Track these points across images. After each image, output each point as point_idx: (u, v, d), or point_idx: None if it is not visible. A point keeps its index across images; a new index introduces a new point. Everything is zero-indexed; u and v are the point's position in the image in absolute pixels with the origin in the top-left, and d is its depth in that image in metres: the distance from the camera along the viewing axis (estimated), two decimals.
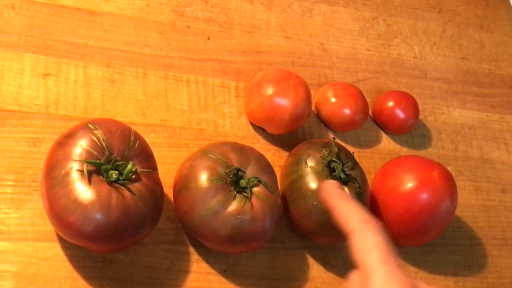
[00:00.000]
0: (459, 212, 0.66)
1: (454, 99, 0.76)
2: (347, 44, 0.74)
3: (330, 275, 0.57)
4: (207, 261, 0.54)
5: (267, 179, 0.52)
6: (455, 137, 0.73)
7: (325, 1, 0.77)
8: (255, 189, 0.51)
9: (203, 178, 0.50)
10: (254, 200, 0.50)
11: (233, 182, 0.50)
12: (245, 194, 0.50)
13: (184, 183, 0.50)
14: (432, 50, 0.79)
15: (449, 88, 0.77)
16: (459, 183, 0.61)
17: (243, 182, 0.51)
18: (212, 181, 0.49)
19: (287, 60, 0.69)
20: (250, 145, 0.56)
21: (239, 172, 0.51)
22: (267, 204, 0.51)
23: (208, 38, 0.67)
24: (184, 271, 0.53)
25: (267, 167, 0.53)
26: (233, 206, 0.49)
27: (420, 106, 0.69)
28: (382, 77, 0.74)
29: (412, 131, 0.70)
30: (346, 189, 0.54)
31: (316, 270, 0.57)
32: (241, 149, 0.53)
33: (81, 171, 0.44)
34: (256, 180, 0.51)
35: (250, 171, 0.52)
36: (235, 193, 0.50)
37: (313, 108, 0.65)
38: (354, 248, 0.39)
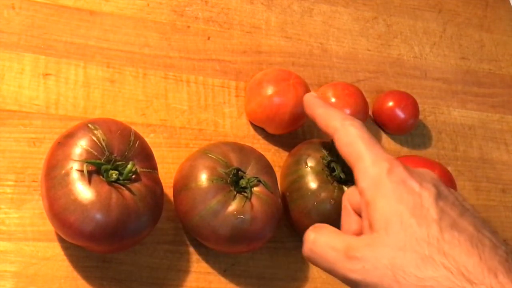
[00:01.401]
0: None
1: (454, 99, 0.76)
2: (347, 44, 0.74)
3: (330, 275, 0.57)
4: (207, 261, 0.54)
5: (267, 179, 0.52)
6: (455, 137, 0.73)
7: (325, 1, 0.77)
8: (255, 189, 0.51)
9: (203, 178, 0.50)
10: (254, 200, 0.50)
11: (233, 182, 0.50)
12: (245, 194, 0.50)
13: (184, 183, 0.50)
14: (432, 50, 0.79)
15: (449, 88, 0.77)
16: (459, 183, 0.61)
17: (243, 182, 0.51)
18: (212, 181, 0.49)
19: (287, 60, 0.69)
20: (250, 145, 0.56)
21: (239, 172, 0.51)
22: (267, 204, 0.51)
23: (208, 38, 0.67)
24: (184, 271, 0.53)
25: (267, 167, 0.53)
26: (233, 206, 0.49)
27: (420, 106, 0.69)
28: (382, 77, 0.74)
29: (412, 131, 0.70)
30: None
31: (316, 270, 0.57)
32: (241, 149, 0.53)
33: (81, 171, 0.44)
34: (256, 180, 0.51)
35: (250, 171, 0.52)
36: (235, 193, 0.50)
37: None
38: (339, 145, 0.42)
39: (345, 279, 0.37)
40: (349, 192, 0.43)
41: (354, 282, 0.36)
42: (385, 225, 0.35)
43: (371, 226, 0.36)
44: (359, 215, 0.41)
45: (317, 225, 0.41)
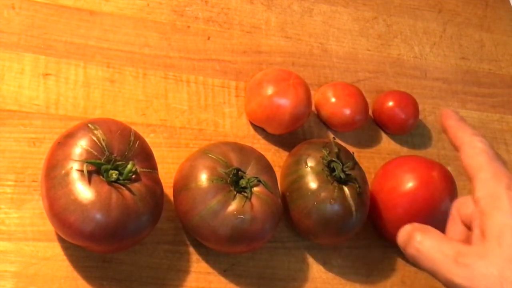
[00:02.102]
0: None
1: (454, 99, 0.76)
2: (347, 44, 0.74)
3: (330, 275, 0.57)
4: (207, 261, 0.54)
5: (267, 179, 0.52)
6: None
7: (325, 1, 0.77)
8: (255, 189, 0.51)
9: (203, 178, 0.50)
10: (254, 200, 0.50)
11: (233, 182, 0.50)
12: (245, 194, 0.50)
13: (184, 183, 0.50)
14: (432, 50, 0.79)
15: (449, 88, 0.77)
16: (459, 183, 0.61)
17: (243, 182, 0.51)
18: (212, 181, 0.49)
19: (287, 60, 0.69)
20: (250, 145, 0.56)
21: (239, 172, 0.51)
22: (267, 204, 0.51)
23: (208, 38, 0.67)
24: (184, 271, 0.53)
25: (267, 167, 0.53)
26: (233, 206, 0.49)
27: (420, 106, 0.69)
28: (382, 77, 0.74)
29: (412, 131, 0.70)
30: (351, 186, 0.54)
31: (316, 270, 0.57)
32: (241, 149, 0.53)
33: (81, 171, 0.44)
34: (256, 180, 0.51)
35: (250, 171, 0.52)
36: (235, 193, 0.50)
37: (313, 108, 0.65)
38: (464, 155, 0.42)
39: (450, 283, 0.38)
40: (460, 202, 0.44)
41: (460, 287, 0.37)
42: (497, 236, 0.37)
43: (483, 235, 0.38)
44: (466, 226, 0.43)
45: (422, 226, 0.42)
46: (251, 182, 0.51)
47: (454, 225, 0.44)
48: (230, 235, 0.49)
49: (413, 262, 0.41)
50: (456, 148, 0.43)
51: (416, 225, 0.43)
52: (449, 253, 0.38)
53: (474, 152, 0.41)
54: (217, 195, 0.49)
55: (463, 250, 0.38)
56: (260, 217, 0.50)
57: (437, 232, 0.41)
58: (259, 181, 0.51)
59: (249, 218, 0.49)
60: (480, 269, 0.36)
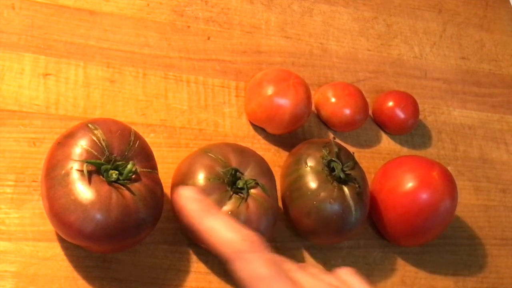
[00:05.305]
0: (459, 212, 0.66)
1: (454, 99, 0.76)
2: (347, 44, 0.74)
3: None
4: (207, 261, 0.54)
5: (265, 182, 0.52)
6: (455, 137, 0.73)
7: (325, 1, 0.77)
8: (252, 191, 0.51)
9: (201, 176, 0.50)
10: (250, 202, 0.50)
11: (230, 182, 0.50)
12: (242, 195, 0.50)
13: (181, 180, 0.50)
14: (432, 50, 0.79)
15: (449, 88, 0.77)
16: (459, 183, 0.61)
17: (240, 183, 0.50)
18: (209, 180, 0.49)
19: (287, 60, 0.69)
20: (250, 145, 0.56)
21: (237, 173, 0.51)
22: (263, 206, 0.50)
23: (208, 38, 0.67)
24: (184, 271, 0.53)
25: (266, 171, 0.53)
26: (228, 206, 0.49)
27: (420, 106, 0.69)
28: (382, 77, 0.74)
29: (412, 131, 0.70)
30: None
31: None
32: (241, 151, 0.53)
33: (81, 171, 0.44)
34: (253, 182, 0.51)
35: (248, 173, 0.52)
36: (231, 193, 0.50)
37: (313, 108, 0.65)
38: (242, 275, 0.34)
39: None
40: None
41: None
42: None
43: None
44: None
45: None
46: (248, 183, 0.51)
47: None
48: None
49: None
50: (222, 257, 0.35)
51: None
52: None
53: (256, 275, 0.34)
54: (213, 194, 0.49)
55: None
56: (255, 219, 0.49)
57: None
58: (257, 183, 0.51)
59: (243, 219, 0.49)
60: None
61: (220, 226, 0.35)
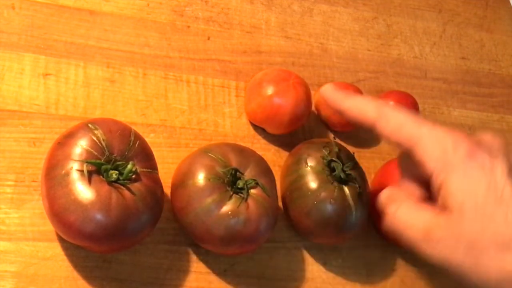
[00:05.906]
0: None
1: (454, 99, 0.76)
2: (347, 44, 0.74)
3: (330, 275, 0.57)
4: (207, 261, 0.54)
5: (265, 182, 0.52)
6: None
7: (325, 1, 0.77)
8: (252, 191, 0.51)
9: (201, 176, 0.50)
10: (250, 202, 0.50)
11: (230, 182, 0.50)
12: (241, 195, 0.50)
13: (181, 180, 0.50)
14: (432, 50, 0.79)
15: (449, 88, 0.77)
16: None
17: (240, 183, 0.50)
18: (209, 180, 0.49)
19: (287, 60, 0.69)
20: (250, 145, 0.56)
21: (237, 173, 0.51)
22: (263, 207, 0.50)
23: (208, 38, 0.67)
24: (184, 271, 0.53)
25: (266, 171, 0.53)
26: (228, 206, 0.49)
27: (420, 106, 0.69)
28: (382, 77, 0.74)
29: None
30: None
31: (316, 270, 0.57)
32: (241, 151, 0.53)
33: (81, 171, 0.44)
34: (253, 182, 0.51)
35: (248, 173, 0.52)
36: (231, 193, 0.50)
37: (313, 108, 0.65)
38: (386, 135, 0.40)
39: (428, 257, 0.38)
40: (404, 160, 0.43)
41: (438, 261, 0.37)
42: (459, 207, 0.35)
43: (445, 207, 0.36)
44: (419, 182, 0.41)
45: (396, 194, 0.41)
46: (249, 183, 0.51)
47: (409, 184, 0.43)
48: (223, 235, 0.49)
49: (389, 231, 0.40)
50: (368, 126, 0.41)
51: (392, 194, 0.41)
52: (419, 227, 0.37)
53: (395, 127, 0.39)
54: (212, 194, 0.49)
55: (431, 224, 0.37)
56: (255, 219, 0.49)
57: (408, 202, 0.40)
58: (257, 183, 0.51)
59: (243, 219, 0.49)
60: (451, 243, 0.36)
61: (358, 103, 0.42)
